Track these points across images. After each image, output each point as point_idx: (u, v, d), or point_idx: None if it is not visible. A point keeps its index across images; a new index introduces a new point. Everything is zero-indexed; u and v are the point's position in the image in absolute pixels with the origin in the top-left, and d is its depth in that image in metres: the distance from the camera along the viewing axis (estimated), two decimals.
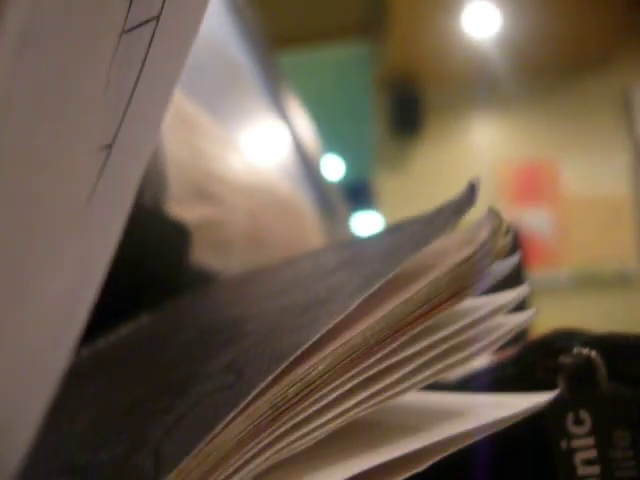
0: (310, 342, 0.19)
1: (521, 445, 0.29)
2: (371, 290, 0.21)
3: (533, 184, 3.11)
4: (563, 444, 0.26)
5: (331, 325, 0.20)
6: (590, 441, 0.26)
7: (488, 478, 0.32)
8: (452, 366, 0.22)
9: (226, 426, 0.17)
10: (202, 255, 0.51)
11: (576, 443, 0.26)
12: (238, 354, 0.21)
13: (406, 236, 0.26)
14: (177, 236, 0.48)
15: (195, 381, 0.21)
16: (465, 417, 0.24)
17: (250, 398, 0.18)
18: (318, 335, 0.19)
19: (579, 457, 0.26)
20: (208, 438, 0.17)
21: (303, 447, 0.19)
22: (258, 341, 0.22)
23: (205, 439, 0.17)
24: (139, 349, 0.31)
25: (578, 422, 0.26)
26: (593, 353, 0.27)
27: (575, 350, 0.27)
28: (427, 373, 0.21)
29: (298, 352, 0.19)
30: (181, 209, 0.50)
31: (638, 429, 0.26)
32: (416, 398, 0.27)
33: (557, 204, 3.08)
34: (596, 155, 3.13)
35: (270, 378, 0.18)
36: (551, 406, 0.25)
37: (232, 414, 0.17)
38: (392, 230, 0.30)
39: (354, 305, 0.20)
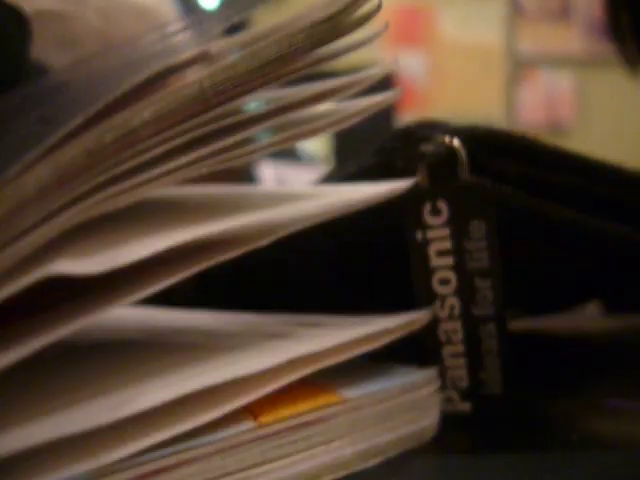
0: (135, 83, 0.16)
1: (377, 240, 0.28)
2: (207, 36, 0.18)
3: (410, 27, 3.07)
4: (418, 235, 0.25)
5: (163, 68, 0.17)
6: (445, 232, 0.25)
7: (343, 276, 0.31)
8: (294, 138, 0.20)
9: (24, 171, 0.14)
10: (44, 51, 0.46)
11: (431, 234, 0.25)
12: (53, 108, 0.18)
13: None
14: (14, 23, 0.42)
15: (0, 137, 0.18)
16: (314, 199, 0.22)
17: (56, 140, 0.15)
18: (144, 77, 0.16)
19: (433, 248, 0.25)
20: (0, 183, 0.14)
21: (120, 205, 0.16)
22: (78, 93, 0.19)
23: None
24: None
25: (435, 212, 0.25)
26: (455, 141, 0.25)
27: (437, 138, 0.26)
28: (272, 140, 0.19)
29: (119, 93, 0.16)
30: None
31: (493, 220, 0.25)
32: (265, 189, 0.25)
33: (432, 49, 3.07)
34: (473, 4, 3.11)
35: (83, 118, 0.15)
36: (408, 195, 0.24)
37: (32, 155, 0.14)
38: None
39: (192, 51, 0.17)
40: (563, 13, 3.11)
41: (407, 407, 0.23)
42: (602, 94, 3.03)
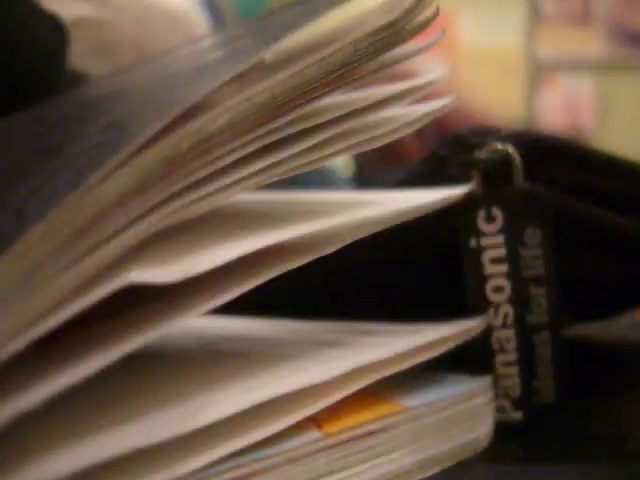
0: (210, 90, 0.16)
1: (431, 247, 0.28)
2: (279, 43, 0.18)
3: (429, 31, 3.07)
4: (472, 242, 0.25)
5: (236, 73, 0.16)
6: (500, 239, 0.25)
7: (398, 282, 0.31)
8: (363, 144, 0.20)
9: (105, 178, 0.14)
10: (82, 58, 0.46)
11: (486, 241, 0.25)
12: (122, 114, 0.18)
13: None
14: (52, 31, 0.42)
15: (70, 144, 0.18)
16: (374, 205, 0.22)
17: (136, 147, 0.15)
18: (221, 82, 0.16)
19: (487, 255, 0.25)
20: (81, 190, 0.14)
21: (196, 213, 0.16)
22: (145, 100, 0.18)
23: (78, 192, 0.14)
24: (4, 134, 0.27)
25: (489, 219, 0.25)
26: (510, 148, 0.25)
27: (491, 145, 0.25)
28: (338, 146, 0.19)
29: (195, 99, 0.16)
30: (58, 3, 0.44)
31: (550, 227, 0.25)
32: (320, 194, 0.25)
33: (452, 53, 3.06)
34: (493, 8, 3.10)
35: (161, 124, 0.15)
36: (462, 202, 0.24)
37: (112, 163, 0.14)
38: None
39: (258, 56, 0.17)
40: (583, 17, 3.09)
41: (464, 416, 0.23)
42: (623, 99, 3.01)
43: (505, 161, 0.25)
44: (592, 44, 3.06)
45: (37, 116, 0.27)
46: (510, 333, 0.25)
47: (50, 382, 0.13)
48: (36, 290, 0.13)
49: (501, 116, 3.02)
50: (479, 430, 0.24)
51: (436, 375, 0.24)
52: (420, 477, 0.22)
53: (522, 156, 0.25)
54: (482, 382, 0.24)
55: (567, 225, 0.25)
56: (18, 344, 0.13)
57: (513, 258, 0.25)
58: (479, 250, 0.25)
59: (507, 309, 0.25)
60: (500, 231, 0.25)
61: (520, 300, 0.25)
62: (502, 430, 0.25)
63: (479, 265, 0.25)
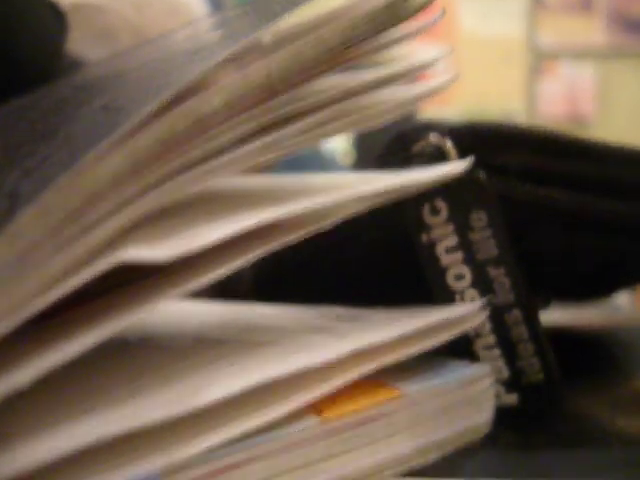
0: (206, 70, 0.16)
1: (385, 247, 0.28)
2: (276, 23, 0.18)
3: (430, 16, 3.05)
4: (423, 237, 0.25)
5: (232, 54, 0.16)
6: (449, 228, 0.25)
7: (364, 286, 0.31)
8: (359, 124, 0.20)
9: (99, 159, 0.14)
10: (81, 44, 0.46)
11: (436, 233, 0.25)
12: (117, 96, 0.18)
13: None
14: (52, 17, 0.42)
15: (65, 126, 0.17)
16: (368, 183, 0.22)
17: (130, 128, 0.14)
18: (216, 63, 0.16)
19: (440, 247, 0.25)
20: (75, 172, 0.14)
21: (191, 193, 0.16)
22: (141, 82, 0.18)
23: (71, 173, 0.14)
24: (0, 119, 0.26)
25: (434, 211, 0.25)
26: (445, 139, 0.26)
27: (427, 138, 0.26)
28: (334, 126, 0.19)
29: (190, 79, 0.15)
30: None
31: (494, 208, 0.25)
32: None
33: (453, 42, 3.05)
34: None
35: (155, 106, 0.15)
36: (406, 200, 0.24)
37: (107, 144, 0.14)
38: None
39: (255, 35, 0.17)
40: (584, 5, 3.08)
41: (464, 402, 0.23)
42: (623, 87, 3.00)
43: (441, 153, 0.25)
44: (593, 32, 3.05)
45: (33, 100, 0.26)
46: None
47: (40, 360, 0.13)
48: (30, 271, 0.13)
49: (502, 103, 3.01)
50: (480, 416, 0.24)
51: (435, 361, 0.24)
52: (420, 463, 0.22)
53: (467, 148, 0.25)
54: (482, 368, 0.24)
55: (517, 207, 0.25)
56: (9, 325, 0.13)
57: (465, 244, 0.25)
58: (431, 243, 0.25)
59: (472, 293, 0.25)
60: (447, 220, 0.25)
61: (482, 283, 0.25)
62: (500, 416, 0.25)
63: (435, 257, 0.25)
